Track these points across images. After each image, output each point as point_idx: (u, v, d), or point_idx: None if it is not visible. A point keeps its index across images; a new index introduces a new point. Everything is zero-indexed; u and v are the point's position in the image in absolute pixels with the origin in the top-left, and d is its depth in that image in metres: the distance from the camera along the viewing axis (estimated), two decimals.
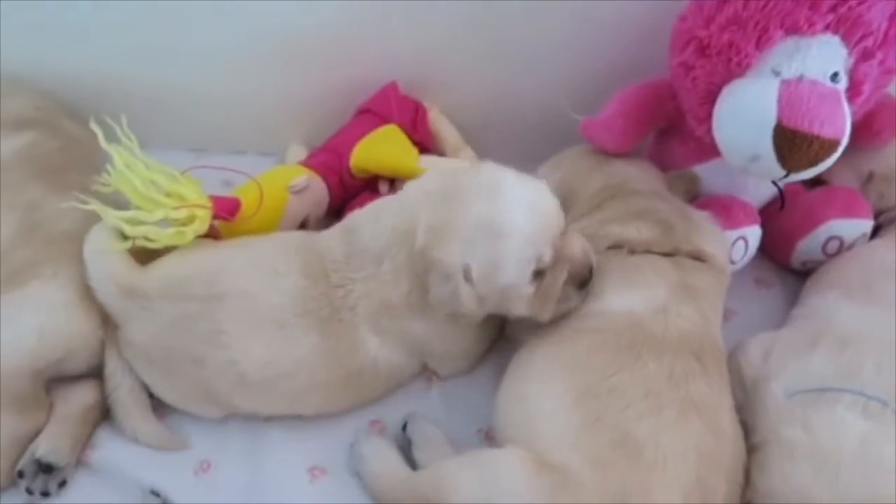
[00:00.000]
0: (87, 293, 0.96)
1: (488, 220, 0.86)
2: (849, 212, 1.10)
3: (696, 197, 1.12)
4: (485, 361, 1.07)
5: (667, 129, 1.16)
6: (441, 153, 1.29)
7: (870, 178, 1.16)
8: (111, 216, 0.93)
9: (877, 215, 1.13)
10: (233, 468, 0.97)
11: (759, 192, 1.12)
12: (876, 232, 1.13)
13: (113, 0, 1.16)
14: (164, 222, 0.95)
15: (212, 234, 1.03)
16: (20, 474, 0.93)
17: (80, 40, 1.21)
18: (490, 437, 0.98)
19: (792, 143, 0.89)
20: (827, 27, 0.90)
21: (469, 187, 0.89)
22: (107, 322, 0.97)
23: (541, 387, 0.89)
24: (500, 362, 1.02)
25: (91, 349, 0.97)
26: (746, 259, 1.11)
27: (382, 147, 1.20)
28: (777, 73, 0.92)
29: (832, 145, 0.90)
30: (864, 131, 1.03)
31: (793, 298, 1.12)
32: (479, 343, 1.04)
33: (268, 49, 1.22)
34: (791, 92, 0.90)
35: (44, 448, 0.93)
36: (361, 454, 0.94)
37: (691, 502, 0.78)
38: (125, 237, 0.94)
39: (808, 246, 1.12)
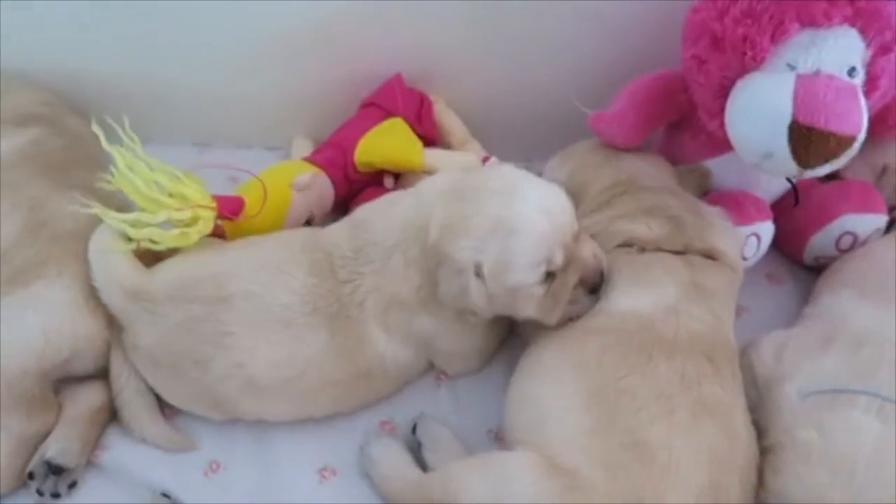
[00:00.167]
0: (93, 293, 0.95)
1: (503, 218, 0.86)
2: (863, 207, 1.08)
3: (707, 192, 1.11)
4: (494, 360, 1.06)
5: (677, 122, 1.14)
6: (447, 146, 1.28)
7: (884, 171, 1.14)
8: (114, 219, 0.92)
9: (891, 210, 1.12)
10: (242, 469, 0.97)
11: (772, 186, 1.11)
12: (890, 227, 1.11)
13: None
14: (168, 224, 0.94)
15: (217, 234, 1.02)
16: (30, 476, 0.93)
17: (84, 37, 1.20)
18: (500, 438, 0.98)
19: (808, 141, 0.87)
20: (845, 20, 0.88)
21: (486, 185, 0.90)
22: (112, 323, 0.97)
23: (550, 388, 0.88)
24: (509, 361, 1.01)
25: (97, 350, 0.97)
26: (759, 256, 1.09)
27: (387, 141, 1.19)
28: (792, 68, 0.90)
29: (849, 142, 0.88)
30: (879, 125, 1.00)
31: (805, 295, 1.11)
32: (488, 343, 1.04)
33: (272, 43, 1.20)
34: (807, 87, 0.88)
35: (53, 449, 0.93)
36: (371, 456, 0.94)
37: None
38: (129, 238, 0.93)
39: (821, 241, 1.11)
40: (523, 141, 1.30)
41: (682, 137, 1.14)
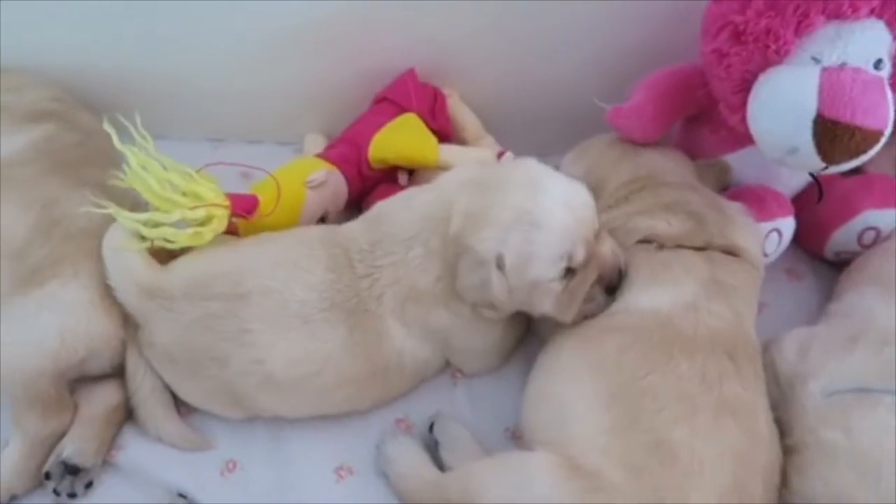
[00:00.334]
0: (108, 292, 0.95)
1: (526, 211, 0.86)
2: (886, 202, 1.06)
3: (727, 187, 1.09)
4: (511, 358, 1.05)
5: (696, 116, 1.13)
6: (461, 141, 1.27)
7: None
8: (128, 219, 0.92)
9: None
10: (259, 468, 0.97)
11: (793, 181, 1.09)
12: None
13: None
14: (182, 223, 0.93)
15: (230, 231, 1.01)
16: (47, 476, 0.93)
17: (96, 32, 1.19)
18: (518, 437, 0.97)
19: (833, 135, 0.85)
20: (871, 11, 0.86)
21: (509, 178, 0.90)
22: (128, 322, 0.96)
23: (569, 387, 0.87)
24: (526, 359, 1.01)
25: (113, 349, 0.97)
26: (780, 252, 1.08)
27: (401, 137, 1.18)
28: (817, 61, 0.88)
29: (875, 137, 0.86)
30: None
31: (825, 290, 1.09)
32: (504, 341, 1.03)
33: (284, 38, 1.19)
34: (832, 80, 0.86)
35: (70, 449, 0.93)
36: (388, 455, 0.94)
37: None
38: (143, 237, 0.93)
39: (843, 236, 1.09)
40: (538, 135, 1.29)
41: (702, 132, 1.12)
